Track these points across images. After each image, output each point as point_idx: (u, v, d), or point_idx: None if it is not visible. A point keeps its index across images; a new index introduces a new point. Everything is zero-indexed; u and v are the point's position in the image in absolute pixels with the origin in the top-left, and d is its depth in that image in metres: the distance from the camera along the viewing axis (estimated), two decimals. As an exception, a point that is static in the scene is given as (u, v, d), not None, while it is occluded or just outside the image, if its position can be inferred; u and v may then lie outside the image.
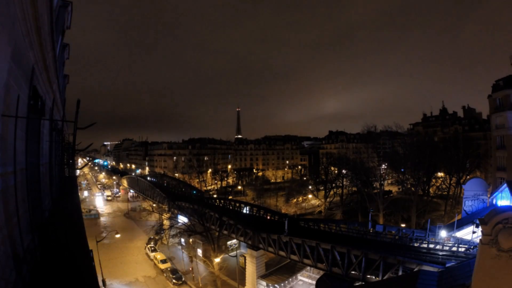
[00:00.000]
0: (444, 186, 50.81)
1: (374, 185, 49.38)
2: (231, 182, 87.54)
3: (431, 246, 22.28)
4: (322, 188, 57.29)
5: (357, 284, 19.59)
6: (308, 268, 28.62)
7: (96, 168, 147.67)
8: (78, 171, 76.95)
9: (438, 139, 62.90)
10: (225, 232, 31.89)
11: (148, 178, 64.87)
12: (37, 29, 4.36)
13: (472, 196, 29.63)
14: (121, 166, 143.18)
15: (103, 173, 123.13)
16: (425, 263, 16.57)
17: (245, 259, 30.44)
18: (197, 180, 69.41)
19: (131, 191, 72.35)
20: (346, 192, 58.03)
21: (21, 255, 3.79)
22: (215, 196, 62.54)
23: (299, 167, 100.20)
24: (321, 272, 23.24)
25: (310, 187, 62.29)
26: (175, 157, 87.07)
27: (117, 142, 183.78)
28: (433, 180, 51.14)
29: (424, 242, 23.21)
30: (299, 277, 30.64)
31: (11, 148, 3.59)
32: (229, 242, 38.16)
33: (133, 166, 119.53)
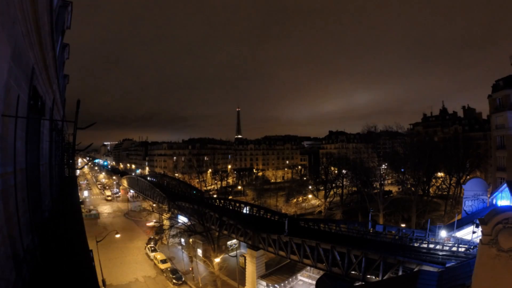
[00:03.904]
0: (444, 186, 50.80)
1: (374, 185, 49.37)
2: (231, 182, 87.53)
3: (431, 246, 22.28)
4: (322, 188, 57.26)
5: (357, 284, 19.59)
6: (308, 268, 28.62)
7: (96, 168, 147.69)
8: (78, 171, 77.00)
9: (438, 139, 62.92)
10: (225, 232, 31.89)
11: (148, 178, 64.84)
12: (37, 29, 4.36)
13: (472, 196, 29.63)
14: (121, 166, 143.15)
15: (103, 173, 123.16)
16: (425, 263, 16.57)
17: (245, 259, 30.44)
18: (197, 180, 69.38)
19: (131, 191, 72.33)
20: (346, 192, 58.02)
21: (21, 255, 3.79)
22: (215, 196, 62.53)
23: (299, 167, 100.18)
24: (321, 272, 23.25)
25: (310, 187, 62.27)
26: (175, 157, 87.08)
27: (117, 142, 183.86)
28: (433, 180, 51.15)
29: (424, 242, 23.20)
30: (299, 277, 30.64)
31: (11, 148, 3.59)
32: (229, 242, 38.15)
33: (133, 166, 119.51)
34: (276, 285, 27.49)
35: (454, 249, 20.62)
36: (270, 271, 29.66)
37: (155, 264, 35.31)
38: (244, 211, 38.06)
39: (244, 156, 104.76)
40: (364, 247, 20.04)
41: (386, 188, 59.87)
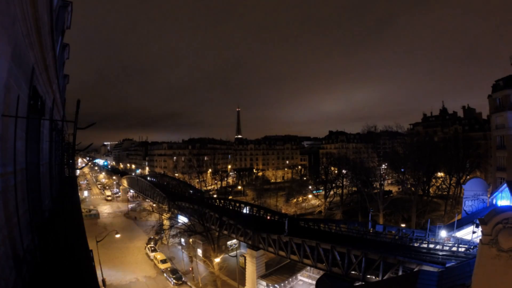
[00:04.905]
0: (444, 186, 50.82)
1: (374, 185, 49.36)
2: (231, 182, 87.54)
3: (431, 246, 22.28)
4: (322, 188, 57.30)
5: (357, 284, 19.58)
6: (308, 268, 28.62)
7: (96, 168, 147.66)
8: (78, 171, 77.01)
9: (438, 139, 62.90)
10: (225, 232, 31.88)
11: (148, 178, 64.84)
12: (37, 29, 4.35)
13: (472, 196, 29.63)
14: (121, 166, 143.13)
15: (103, 173, 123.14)
16: (425, 263, 16.56)
17: (245, 259, 30.43)
18: (197, 180, 69.41)
19: (131, 191, 72.36)
20: (346, 192, 58.02)
21: (21, 255, 3.79)
22: (215, 196, 62.51)
23: (299, 167, 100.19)
24: (321, 272, 23.23)
25: (310, 187, 62.27)
26: (175, 157, 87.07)
27: (117, 142, 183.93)
28: (433, 180, 51.15)
29: (424, 242, 23.21)
30: (299, 277, 30.64)
31: (11, 148, 3.58)
32: (229, 242, 38.15)
33: (133, 166, 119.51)
34: (276, 285, 27.48)
35: (454, 249, 20.62)
36: (270, 271, 29.66)
37: (155, 264, 35.31)
38: (244, 211, 38.06)
39: (244, 156, 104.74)
40: (364, 247, 20.03)
41: (386, 188, 59.89)
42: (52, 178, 8.26)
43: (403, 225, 38.97)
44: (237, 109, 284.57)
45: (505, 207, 15.93)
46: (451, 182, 49.01)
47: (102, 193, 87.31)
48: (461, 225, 25.65)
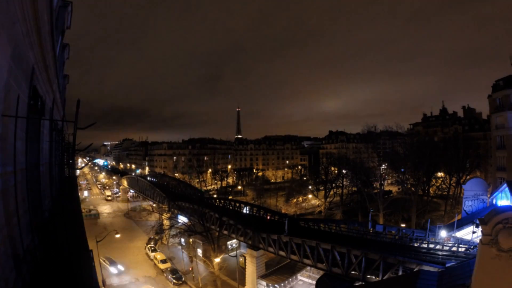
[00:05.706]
0: (444, 186, 50.82)
1: (374, 185, 49.36)
2: (231, 182, 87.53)
3: (431, 246, 22.28)
4: (322, 188, 57.28)
5: (357, 284, 19.59)
6: (308, 268, 28.63)
7: (96, 168, 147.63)
8: (78, 171, 77.03)
9: (438, 139, 62.90)
10: (225, 232, 31.88)
11: (148, 178, 64.84)
12: (37, 29, 4.35)
13: (472, 196, 29.63)
14: (121, 166, 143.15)
15: (103, 173, 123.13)
16: (425, 263, 16.57)
17: (245, 259, 30.44)
18: (197, 180, 69.41)
19: (131, 191, 72.35)
20: (346, 192, 58.01)
21: (21, 255, 3.79)
22: (215, 196, 62.52)
23: (299, 167, 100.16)
24: (321, 272, 23.24)
25: (310, 187, 62.28)
26: (175, 157, 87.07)
27: (117, 142, 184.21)
28: (433, 180, 51.17)
29: (424, 242, 23.20)
30: (299, 277, 30.65)
31: (11, 148, 3.59)
32: (229, 242, 38.15)
33: (133, 166, 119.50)
34: (276, 285, 27.49)
35: (454, 249, 20.62)
36: (270, 271, 29.66)
37: (155, 264, 35.31)
38: (244, 211, 38.04)
39: (244, 156, 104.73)
40: (364, 247, 20.04)
41: (386, 188, 59.86)
42: (52, 178, 8.26)
43: (403, 225, 38.96)
44: (237, 109, 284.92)
45: (505, 207, 15.92)
46: (451, 182, 49.01)
47: (102, 193, 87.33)
48: (461, 225, 25.64)
